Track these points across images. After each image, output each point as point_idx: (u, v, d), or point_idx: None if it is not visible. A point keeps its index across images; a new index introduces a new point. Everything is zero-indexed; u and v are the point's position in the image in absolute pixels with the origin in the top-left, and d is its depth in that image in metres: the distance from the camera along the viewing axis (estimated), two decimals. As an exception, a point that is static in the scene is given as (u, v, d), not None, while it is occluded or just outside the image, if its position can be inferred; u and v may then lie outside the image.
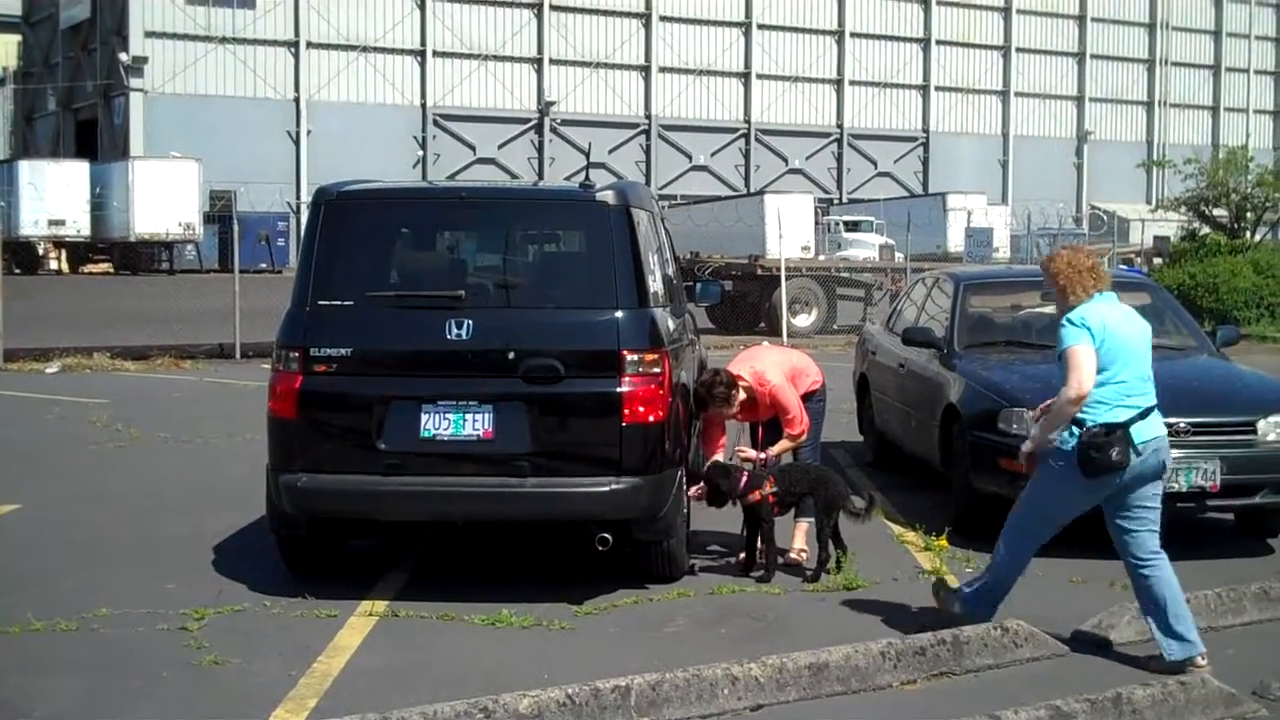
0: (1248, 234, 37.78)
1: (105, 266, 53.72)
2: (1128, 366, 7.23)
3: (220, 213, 52.19)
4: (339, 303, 8.58)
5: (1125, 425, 7.14)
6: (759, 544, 9.26)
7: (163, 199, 51.06)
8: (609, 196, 8.67)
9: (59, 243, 53.02)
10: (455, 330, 8.33)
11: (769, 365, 9.67)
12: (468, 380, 8.36)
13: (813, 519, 9.37)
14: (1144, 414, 7.22)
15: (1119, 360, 7.21)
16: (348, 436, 8.48)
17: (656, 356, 8.40)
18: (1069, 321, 7.24)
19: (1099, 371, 7.13)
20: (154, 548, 9.97)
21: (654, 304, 8.73)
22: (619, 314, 8.39)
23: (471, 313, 8.41)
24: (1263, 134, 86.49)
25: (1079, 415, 7.17)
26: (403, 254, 9.36)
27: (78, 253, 53.75)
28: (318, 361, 8.42)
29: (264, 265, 49.94)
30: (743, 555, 9.39)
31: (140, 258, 53.67)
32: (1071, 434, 7.21)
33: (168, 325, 27.58)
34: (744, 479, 9.20)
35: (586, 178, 9.19)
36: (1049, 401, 7.49)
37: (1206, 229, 38.86)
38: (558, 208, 9.49)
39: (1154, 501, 7.41)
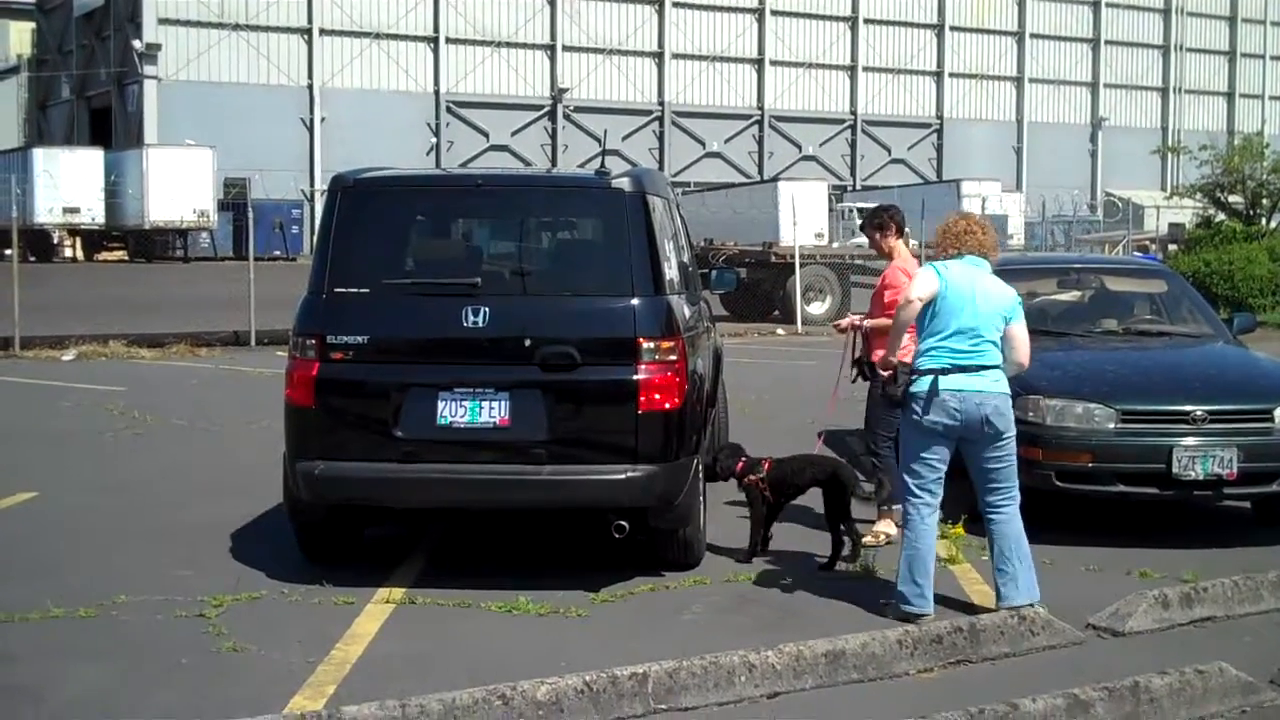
0: (1263, 221, 37.64)
1: (120, 254, 53.87)
2: (957, 323, 7.84)
3: (234, 200, 52.32)
4: (355, 290, 8.58)
5: (936, 372, 7.78)
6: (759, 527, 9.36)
7: (177, 186, 51.14)
8: (625, 183, 8.66)
9: (74, 230, 53.18)
10: (471, 318, 8.33)
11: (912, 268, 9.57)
12: (484, 368, 8.36)
13: (899, 507, 9.25)
14: (963, 369, 7.79)
15: (951, 318, 7.84)
16: (364, 424, 8.49)
17: (673, 344, 8.40)
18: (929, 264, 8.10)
19: (931, 324, 7.88)
20: (172, 535, 9.99)
21: (670, 291, 8.72)
22: (635, 301, 8.38)
23: (488, 300, 8.41)
24: (1278, 120, 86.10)
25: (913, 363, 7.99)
26: (419, 241, 9.36)
27: (92, 240, 53.90)
28: (334, 349, 8.43)
29: (278, 253, 50.08)
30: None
31: (155, 245, 53.80)
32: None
33: (183, 313, 27.70)
34: (741, 463, 9.33)
35: (602, 165, 9.17)
36: None
37: (1222, 216, 38.72)
38: (574, 195, 9.49)
39: (996, 463, 7.93)
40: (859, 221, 51.21)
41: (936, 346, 7.87)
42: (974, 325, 7.84)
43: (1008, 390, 7.92)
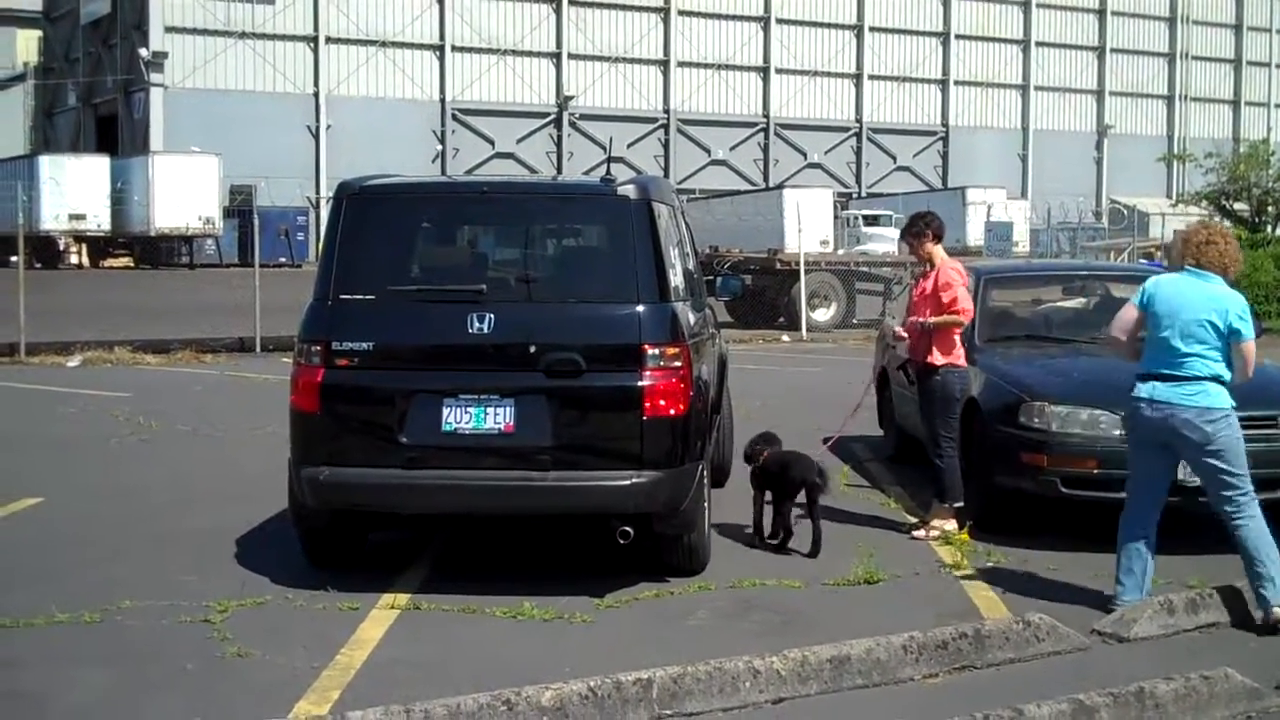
0: (1269, 228, 37.65)
1: (125, 261, 53.96)
2: (1163, 334, 7.92)
3: (240, 207, 52.44)
4: (361, 297, 8.59)
5: (1141, 379, 7.99)
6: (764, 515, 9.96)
7: (183, 193, 51.23)
8: (631, 190, 8.67)
9: (79, 237, 53.25)
10: (477, 324, 8.34)
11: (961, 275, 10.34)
12: (489, 374, 8.37)
13: (960, 504, 10.21)
14: (1164, 379, 7.90)
15: (1157, 329, 7.95)
16: (369, 430, 8.50)
17: (678, 350, 8.40)
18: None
19: (1148, 335, 8.03)
20: (176, 540, 10.00)
21: (675, 298, 8.72)
22: (640, 308, 8.38)
23: (493, 307, 8.41)
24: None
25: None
26: (424, 248, 9.36)
27: (98, 247, 53.98)
28: (340, 355, 8.44)
29: (283, 260, 50.07)
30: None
31: (160, 252, 53.90)
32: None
33: (188, 319, 27.74)
34: (757, 451, 10.04)
35: (608, 172, 9.19)
36: None
37: (1227, 223, 38.73)
38: (580, 202, 9.48)
39: (1209, 468, 7.98)
40: (864, 228, 51.50)
41: (1148, 355, 8.05)
42: (1178, 336, 7.88)
43: (1210, 404, 7.86)
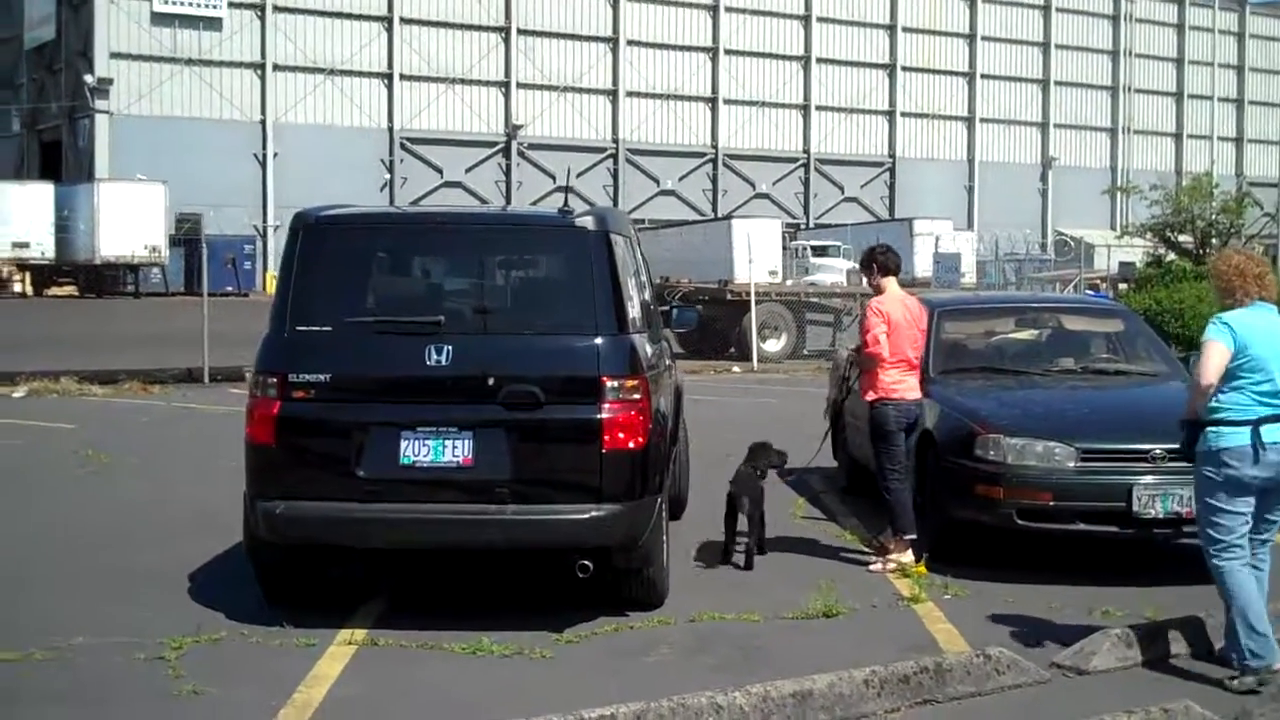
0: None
1: (70, 290, 53.42)
2: (1264, 373, 7.41)
3: (187, 235, 52.09)
4: (318, 328, 8.53)
5: (1255, 423, 7.34)
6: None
7: (128, 221, 50.83)
8: (589, 222, 8.66)
9: (23, 265, 52.69)
10: (435, 356, 8.30)
11: (892, 306, 10.40)
12: (447, 406, 8.32)
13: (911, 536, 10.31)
14: (1276, 419, 7.38)
15: (1260, 368, 7.41)
16: (326, 463, 8.43)
17: (636, 382, 8.38)
18: (1215, 319, 7.53)
19: (1235, 376, 7.38)
20: (129, 575, 9.88)
21: (633, 330, 8.72)
22: (599, 340, 8.37)
23: (451, 338, 8.37)
24: (1226, 160, 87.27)
25: (1213, 416, 7.43)
26: (382, 279, 9.30)
27: (42, 276, 53.41)
28: (296, 388, 8.37)
29: (230, 288, 49.76)
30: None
31: (106, 281, 53.39)
32: (1208, 437, 7.44)
33: (135, 349, 27.50)
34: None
35: (565, 203, 9.18)
36: None
37: (1172, 255, 39.14)
38: (537, 233, 9.47)
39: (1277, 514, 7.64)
40: (812, 259, 51.65)
41: (1249, 397, 7.40)
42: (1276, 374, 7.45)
43: None
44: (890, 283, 10.59)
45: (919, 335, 10.62)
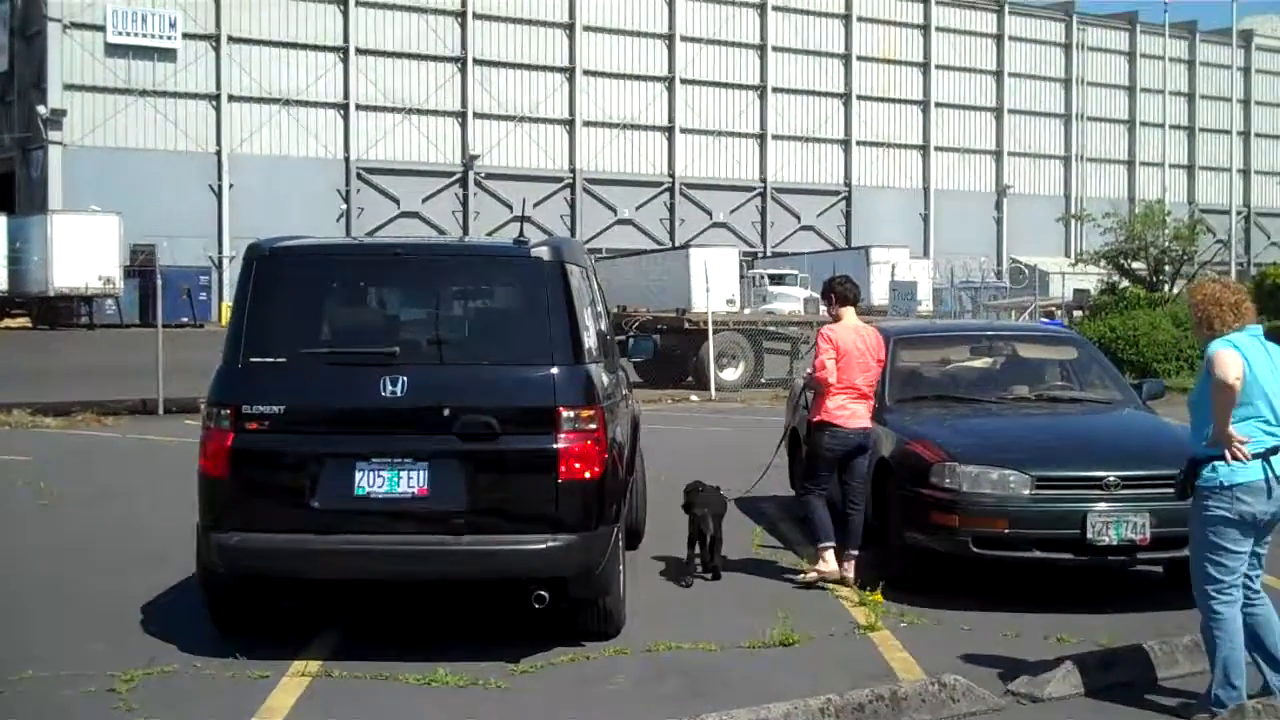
0: (1166, 287, 38.37)
1: (23, 321, 53.02)
2: (1265, 401, 7.18)
3: (141, 267, 51.76)
4: (272, 360, 8.50)
5: (1265, 455, 7.09)
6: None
7: (82, 253, 50.53)
8: (544, 252, 8.67)
9: (-26, 297, 52.33)
10: (390, 387, 8.28)
11: (843, 334, 10.72)
12: (402, 437, 8.30)
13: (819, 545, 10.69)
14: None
15: (1262, 395, 7.17)
16: (281, 495, 8.39)
17: (592, 413, 8.38)
18: (1219, 340, 7.21)
19: (1242, 404, 7.08)
20: (80, 607, 9.79)
21: (589, 360, 8.72)
22: (554, 370, 8.37)
23: (406, 369, 8.36)
24: (1178, 188, 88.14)
25: (1210, 452, 7.17)
26: (336, 310, 9.26)
27: (-6, 307, 53.06)
28: (250, 419, 8.33)
29: (185, 320, 49.54)
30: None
31: (59, 312, 52.98)
32: (1219, 471, 7.16)
33: (89, 381, 27.29)
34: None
35: (521, 233, 9.18)
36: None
37: (1126, 282, 39.43)
38: (493, 263, 9.47)
39: (1265, 547, 7.44)
40: (769, 287, 51.77)
41: (1256, 428, 7.15)
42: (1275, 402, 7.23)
43: None
44: (848, 312, 10.90)
45: (873, 365, 10.77)
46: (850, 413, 10.58)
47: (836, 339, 10.61)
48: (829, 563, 10.55)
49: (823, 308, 11.49)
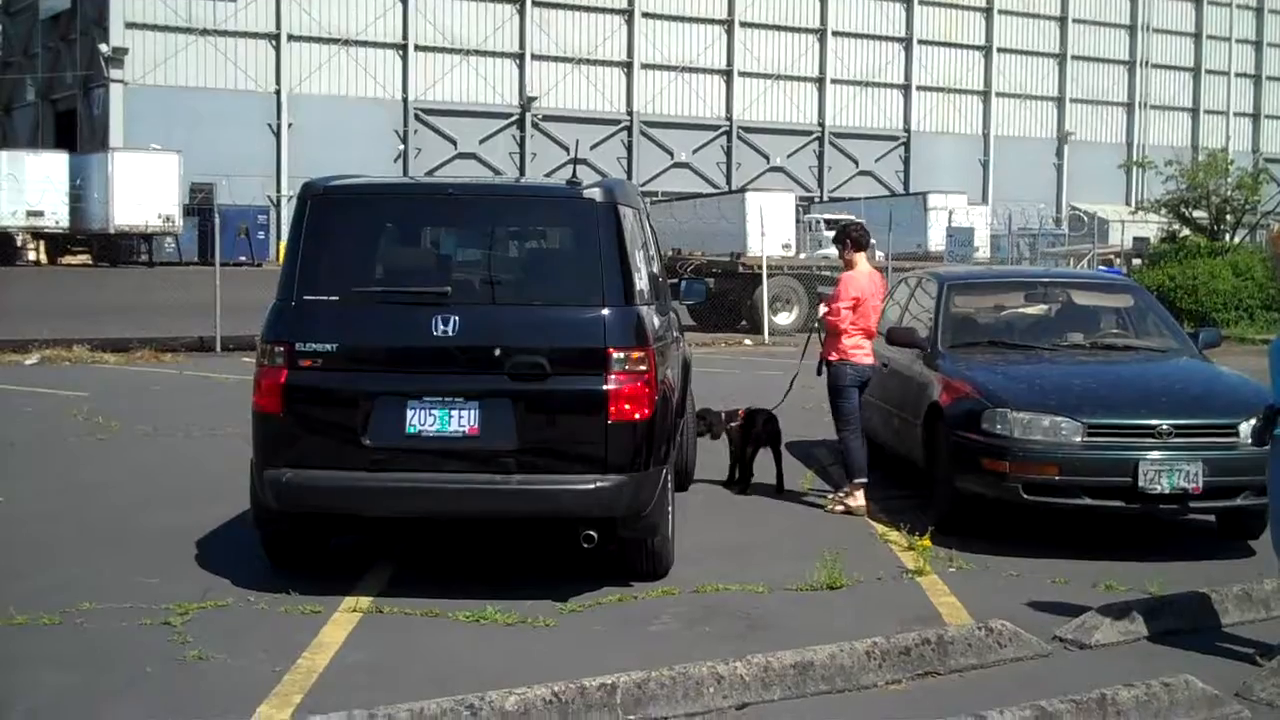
0: (1227, 236, 37.89)
1: (84, 258, 53.47)
2: None
3: (200, 205, 52.01)
4: (325, 298, 8.54)
5: None
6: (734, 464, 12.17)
7: (142, 191, 50.74)
8: (596, 194, 8.66)
9: (37, 234, 52.67)
10: (441, 326, 8.31)
11: (862, 281, 11.52)
12: (453, 377, 8.34)
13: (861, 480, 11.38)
14: None
15: None
16: (333, 432, 8.45)
17: (642, 354, 8.39)
18: None
19: None
20: (137, 542, 9.93)
21: (640, 302, 8.71)
22: (605, 311, 8.37)
23: (458, 309, 8.38)
24: (1242, 136, 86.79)
25: None
26: (389, 250, 9.30)
27: (56, 244, 53.45)
28: (303, 356, 8.38)
29: (243, 258, 49.77)
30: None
31: (119, 250, 53.38)
32: None
33: (148, 318, 27.54)
34: (723, 417, 12.20)
35: (574, 175, 9.17)
36: None
37: (1186, 231, 38.94)
38: (545, 204, 9.48)
39: None
40: (826, 232, 51.49)
41: None
42: None
43: None
44: (860, 258, 11.72)
45: (879, 306, 11.81)
46: (864, 350, 11.47)
47: (858, 285, 11.44)
48: (858, 498, 11.26)
49: (827, 250, 12.28)
